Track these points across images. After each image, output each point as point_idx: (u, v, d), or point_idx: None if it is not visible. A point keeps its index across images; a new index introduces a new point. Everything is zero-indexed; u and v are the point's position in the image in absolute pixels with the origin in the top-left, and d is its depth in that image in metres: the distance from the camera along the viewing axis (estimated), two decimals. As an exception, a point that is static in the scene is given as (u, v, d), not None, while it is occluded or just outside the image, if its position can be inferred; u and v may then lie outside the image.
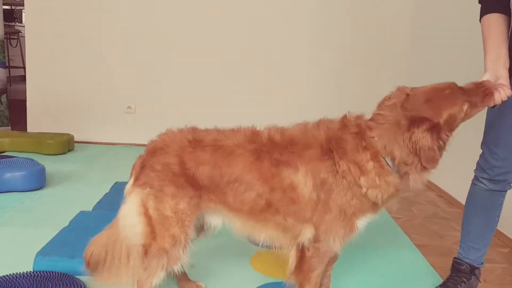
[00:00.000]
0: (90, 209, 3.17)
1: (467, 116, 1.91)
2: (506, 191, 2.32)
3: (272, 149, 1.86)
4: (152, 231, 1.91)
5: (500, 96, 1.88)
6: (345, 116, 1.93)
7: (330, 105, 5.31)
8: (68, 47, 5.31)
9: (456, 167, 4.10)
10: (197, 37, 5.30)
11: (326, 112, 1.98)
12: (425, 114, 1.79)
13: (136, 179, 1.96)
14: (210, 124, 2.07)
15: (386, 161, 1.82)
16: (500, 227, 3.29)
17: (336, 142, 1.84)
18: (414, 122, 1.77)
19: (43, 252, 2.37)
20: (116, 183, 3.63)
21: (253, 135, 1.93)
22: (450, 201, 4.09)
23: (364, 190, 1.81)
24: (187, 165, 1.89)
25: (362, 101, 5.14)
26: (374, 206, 1.90)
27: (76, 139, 5.23)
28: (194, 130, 2.01)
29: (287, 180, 1.82)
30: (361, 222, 1.92)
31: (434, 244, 3.17)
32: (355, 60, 5.41)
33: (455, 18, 4.33)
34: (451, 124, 1.87)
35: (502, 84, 1.91)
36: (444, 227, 3.50)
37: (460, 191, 3.97)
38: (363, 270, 2.68)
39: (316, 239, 1.88)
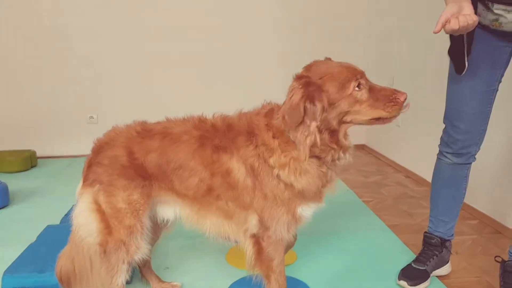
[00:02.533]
0: (58, 222, 3.10)
1: (358, 110, 1.72)
2: (471, 163, 2.37)
3: (213, 135, 1.88)
4: (106, 226, 1.89)
5: (457, 22, 1.79)
6: (264, 103, 1.96)
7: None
8: (22, 59, 5.16)
9: (422, 147, 4.20)
10: (160, 44, 5.23)
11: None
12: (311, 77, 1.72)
13: (84, 180, 1.94)
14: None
15: (291, 137, 1.76)
16: (468, 200, 3.37)
17: (253, 126, 1.86)
18: (297, 78, 1.74)
19: (11, 270, 2.29)
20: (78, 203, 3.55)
21: (199, 122, 1.94)
22: (418, 180, 4.17)
23: (275, 171, 1.79)
24: (135, 155, 1.89)
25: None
26: (307, 194, 1.84)
27: (39, 154, 5.10)
28: (143, 122, 2.01)
29: (225, 165, 1.84)
30: (304, 211, 1.88)
31: (405, 223, 3.22)
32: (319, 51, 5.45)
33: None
34: (332, 100, 1.68)
35: (466, 14, 1.81)
36: (414, 206, 3.56)
37: (426, 170, 4.05)
38: (338, 254, 2.70)
39: (265, 228, 1.87)
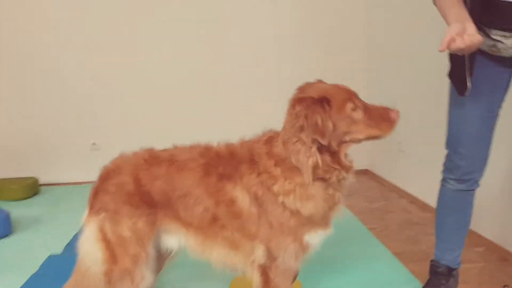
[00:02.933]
0: (60, 252, 3.07)
1: (356, 130, 1.80)
2: (475, 189, 2.35)
3: (218, 163, 1.89)
4: (112, 255, 1.88)
5: (463, 41, 1.76)
6: (265, 130, 1.99)
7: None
8: (24, 85, 5.20)
9: (425, 171, 4.18)
10: (162, 70, 5.27)
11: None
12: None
13: (91, 208, 1.95)
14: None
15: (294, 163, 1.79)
16: (474, 226, 3.34)
17: (253, 154, 1.87)
18: (299, 100, 1.78)
19: (13, 302, 2.27)
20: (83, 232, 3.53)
21: (205, 150, 1.96)
22: (423, 206, 4.14)
23: (280, 199, 1.79)
24: (142, 182, 1.90)
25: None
26: (315, 219, 1.85)
27: (41, 181, 5.10)
28: (150, 150, 2.03)
29: (229, 194, 1.84)
30: (312, 239, 1.89)
31: (411, 250, 3.19)
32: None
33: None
34: (333, 120, 1.76)
35: (470, 34, 1.78)
36: (419, 232, 3.53)
37: (431, 196, 4.02)
38: (343, 283, 2.67)
39: (272, 258, 1.85)
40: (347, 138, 1.78)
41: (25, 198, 4.71)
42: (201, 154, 1.94)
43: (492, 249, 3.13)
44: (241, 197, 1.83)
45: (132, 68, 5.27)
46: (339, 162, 1.79)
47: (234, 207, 1.84)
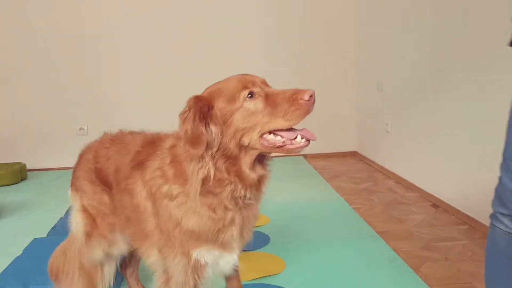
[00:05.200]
0: (45, 235, 3.07)
1: (255, 123, 1.42)
2: None
3: (144, 151, 1.73)
4: (92, 222, 1.95)
5: None
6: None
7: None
8: (10, 71, 5.16)
9: (411, 152, 4.21)
10: (147, 54, 5.25)
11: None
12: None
13: (71, 185, 2.03)
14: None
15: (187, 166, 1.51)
16: (458, 205, 3.38)
17: (159, 147, 1.66)
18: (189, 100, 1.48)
19: (-4, 284, 2.27)
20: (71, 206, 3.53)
21: (149, 136, 1.84)
22: (408, 186, 4.17)
23: (165, 202, 1.55)
24: (98, 160, 1.91)
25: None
26: (202, 237, 1.54)
27: (29, 167, 5.08)
28: (126, 131, 1.99)
29: (132, 185, 1.70)
30: (203, 256, 1.57)
31: (395, 229, 3.21)
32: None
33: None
34: (224, 116, 1.43)
35: None
36: (404, 212, 3.55)
37: (416, 177, 4.06)
38: (328, 262, 2.68)
39: (164, 266, 1.65)
40: (245, 139, 1.42)
41: (13, 184, 4.70)
42: (143, 140, 1.80)
43: (476, 227, 3.16)
44: (139, 190, 1.67)
45: (119, 54, 5.25)
46: (238, 173, 1.44)
47: (134, 199, 1.70)
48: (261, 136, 1.42)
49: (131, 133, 1.98)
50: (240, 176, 1.44)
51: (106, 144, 1.93)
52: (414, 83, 4.05)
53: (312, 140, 1.44)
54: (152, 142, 1.73)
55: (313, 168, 4.99)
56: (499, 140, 2.91)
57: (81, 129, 5.31)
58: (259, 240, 2.99)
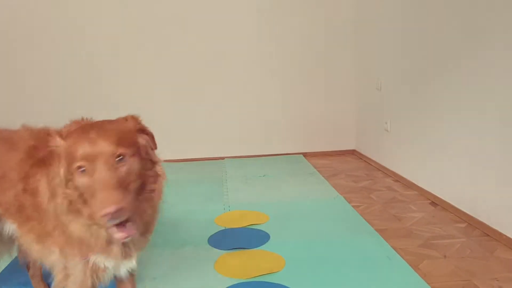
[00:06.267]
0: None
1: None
2: None
3: (44, 146, 1.57)
4: None
5: None
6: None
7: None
8: (13, 75, 5.16)
9: (410, 150, 4.21)
10: (144, 53, 5.26)
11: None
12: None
13: None
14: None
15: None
16: (457, 203, 3.40)
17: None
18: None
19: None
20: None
21: (42, 130, 1.74)
22: (407, 184, 4.18)
23: (45, 204, 1.55)
24: None
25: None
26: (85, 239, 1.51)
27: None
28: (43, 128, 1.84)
29: (36, 183, 1.61)
30: (101, 261, 1.56)
31: (394, 227, 3.22)
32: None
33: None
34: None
35: None
36: (403, 210, 3.57)
37: (415, 174, 4.07)
38: (327, 260, 2.69)
39: (64, 266, 1.62)
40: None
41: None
42: (35, 134, 1.73)
43: (474, 225, 3.18)
44: (44, 189, 1.58)
45: (119, 53, 5.23)
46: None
47: (37, 199, 1.61)
48: None
49: (15, 130, 1.86)
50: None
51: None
52: (413, 81, 4.06)
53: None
54: (49, 136, 1.55)
55: (312, 166, 5.00)
56: (498, 139, 2.93)
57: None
58: (259, 238, 3.01)
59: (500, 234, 2.93)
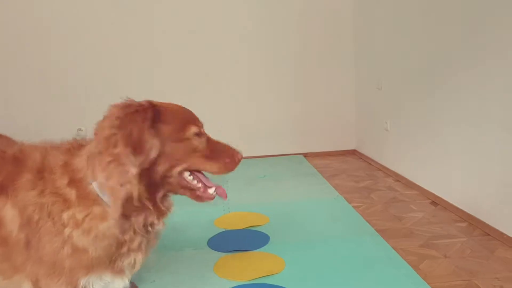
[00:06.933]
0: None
1: (193, 161, 1.48)
2: None
3: (6, 170, 1.47)
4: None
5: None
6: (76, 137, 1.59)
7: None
8: (8, 71, 5.16)
9: (410, 151, 4.21)
10: (144, 53, 5.26)
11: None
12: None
13: None
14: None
15: (94, 187, 1.40)
16: (457, 203, 3.39)
17: (44, 164, 1.46)
18: (117, 104, 1.46)
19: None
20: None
21: (11, 153, 1.53)
22: (408, 184, 4.17)
23: (67, 231, 1.39)
24: None
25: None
26: (102, 262, 1.46)
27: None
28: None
29: None
30: (93, 283, 1.46)
31: (395, 227, 3.21)
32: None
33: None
34: (167, 139, 1.43)
35: None
36: (403, 210, 3.55)
37: (415, 174, 4.06)
38: (327, 261, 2.68)
39: None
40: (174, 170, 1.44)
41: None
42: None
43: (475, 225, 3.16)
44: (11, 217, 1.42)
45: (118, 53, 5.24)
46: (153, 202, 1.43)
47: (1, 230, 1.43)
48: (181, 173, 1.47)
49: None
50: (155, 205, 1.44)
51: None
52: (413, 81, 4.05)
53: (223, 198, 1.60)
54: (15, 159, 1.49)
55: (313, 167, 4.99)
56: (499, 138, 2.92)
57: (80, 130, 5.30)
58: (259, 240, 3.00)
59: (501, 233, 2.92)
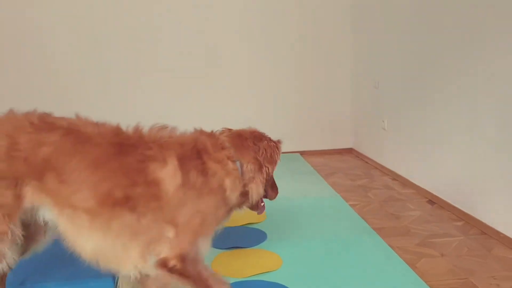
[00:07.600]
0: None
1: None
2: None
3: (138, 143, 1.80)
4: None
5: None
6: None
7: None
8: (8, 64, 5.13)
9: (407, 150, 4.21)
10: (144, 47, 5.24)
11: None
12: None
13: None
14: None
15: (237, 165, 1.96)
16: (454, 201, 3.39)
17: (200, 143, 1.90)
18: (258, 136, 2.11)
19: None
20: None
21: (117, 129, 1.85)
22: (404, 182, 4.17)
23: (228, 193, 1.90)
24: (19, 147, 1.68)
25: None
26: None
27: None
28: (45, 114, 1.85)
29: (152, 175, 1.74)
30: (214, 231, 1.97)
31: (391, 225, 3.21)
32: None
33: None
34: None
35: None
36: (400, 208, 3.56)
37: (412, 172, 4.06)
38: (324, 259, 2.69)
39: (180, 246, 1.76)
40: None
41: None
42: (114, 132, 1.82)
43: (472, 223, 3.17)
44: (170, 178, 1.76)
45: (118, 54, 5.22)
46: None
47: (156, 189, 1.74)
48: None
49: (61, 118, 1.85)
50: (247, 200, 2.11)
51: (26, 128, 1.73)
52: (410, 80, 4.06)
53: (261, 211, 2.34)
54: (139, 135, 1.86)
55: (310, 165, 4.99)
56: (494, 137, 2.93)
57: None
58: (256, 237, 2.99)
59: (498, 232, 2.93)
